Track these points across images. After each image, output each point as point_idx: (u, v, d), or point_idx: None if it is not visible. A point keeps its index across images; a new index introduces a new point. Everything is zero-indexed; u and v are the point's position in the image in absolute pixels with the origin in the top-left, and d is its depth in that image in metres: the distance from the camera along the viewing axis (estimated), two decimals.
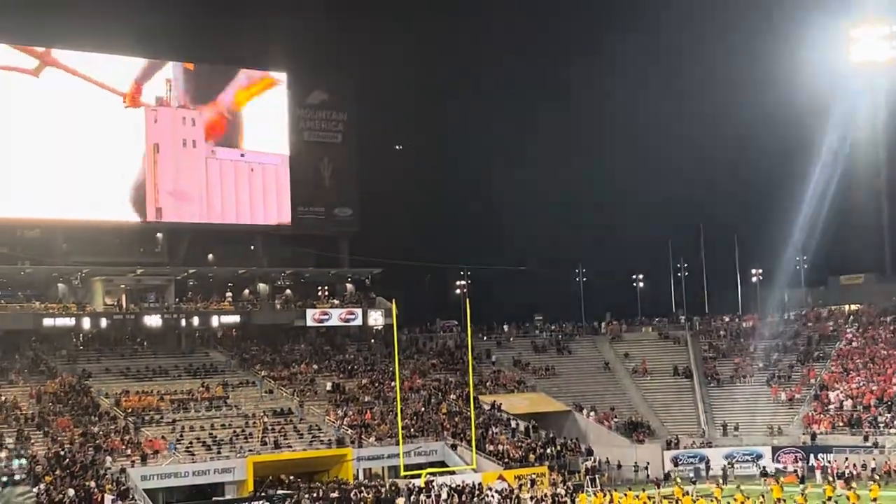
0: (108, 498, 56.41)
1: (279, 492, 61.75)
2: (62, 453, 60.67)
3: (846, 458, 68.92)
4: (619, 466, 73.51)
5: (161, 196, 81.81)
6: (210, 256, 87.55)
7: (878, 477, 63.18)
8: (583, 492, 63.16)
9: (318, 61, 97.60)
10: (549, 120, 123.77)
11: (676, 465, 74.26)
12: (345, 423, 71.78)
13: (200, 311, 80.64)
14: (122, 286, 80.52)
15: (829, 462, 69.55)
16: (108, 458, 61.26)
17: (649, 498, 56.63)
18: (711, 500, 55.06)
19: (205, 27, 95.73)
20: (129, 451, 62.88)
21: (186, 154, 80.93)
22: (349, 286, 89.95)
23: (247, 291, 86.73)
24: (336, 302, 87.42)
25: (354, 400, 76.38)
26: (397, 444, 65.88)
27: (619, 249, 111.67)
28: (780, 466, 72.13)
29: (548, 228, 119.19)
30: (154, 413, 68.73)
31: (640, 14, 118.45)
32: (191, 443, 65.86)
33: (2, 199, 76.67)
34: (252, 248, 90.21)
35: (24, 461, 58.49)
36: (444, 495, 60.53)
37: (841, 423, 75.54)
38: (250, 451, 65.77)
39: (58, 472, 58.43)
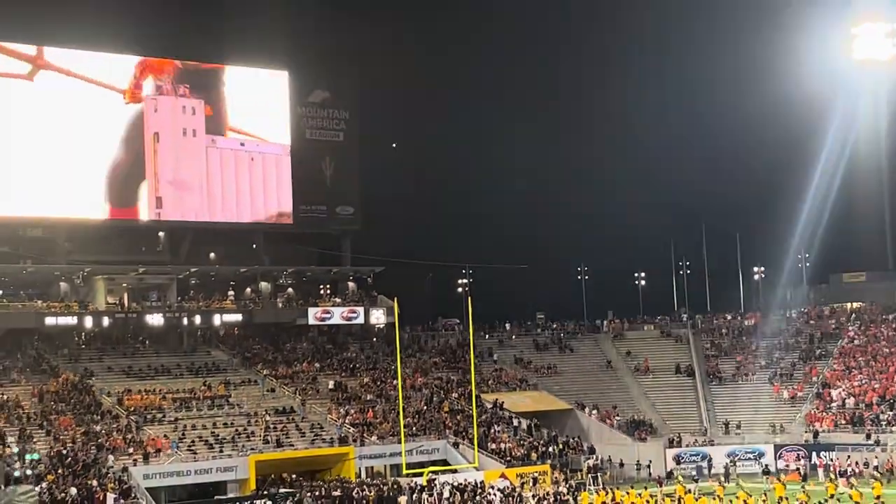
0: (111, 497, 56.44)
1: (281, 490, 61.73)
2: (64, 452, 60.70)
3: (848, 456, 68.91)
4: (622, 465, 73.56)
5: (161, 185, 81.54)
6: (212, 255, 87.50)
7: (879, 475, 63.16)
8: (585, 490, 63.17)
9: (320, 60, 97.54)
10: (550, 118, 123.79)
11: (678, 463, 74.25)
12: (347, 421, 71.80)
13: (202, 310, 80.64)
14: (124, 285, 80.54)
15: (832, 460, 69.54)
16: (111, 457, 61.31)
17: (651, 496, 56.61)
18: (714, 499, 55.00)
19: (205, 26, 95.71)
20: (131, 450, 62.93)
21: (186, 143, 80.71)
22: (351, 284, 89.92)
23: (249, 290, 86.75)
24: (338, 300, 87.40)
25: (356, 398, 76.40)
26: (399, 442, 65.91)
27: (621, 247, 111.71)
28: (783, 464, 72.18)
29: (550, 226, 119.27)
30: (156, 412, 68.76)
31: (642, 12, 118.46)
32: (193, 441, 65.89)
33: (3, 198, 76.67)
34: (254, 246, 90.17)
35: (36, 455, 58.76)
36: (446, 494, 60.52)
37: (843, 421, 75.50)
38: (252, 449, 65.80)
39: (60, 470, 58.48)
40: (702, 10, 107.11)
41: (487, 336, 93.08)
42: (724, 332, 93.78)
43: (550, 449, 72.55)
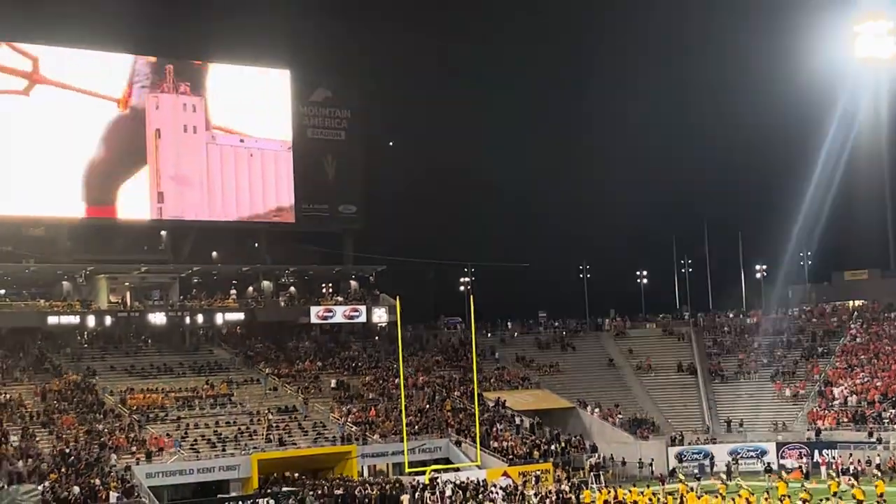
0: (114, 495, 56.52)
1: (284, 489, 61.80)
2: (67, 451, 60.75)
3: (850, 454, 68.90)
4: (624, 463, 73.58)
5: (163, 181, 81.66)
6: (214, 254, 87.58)
7: (880, 472, 63.16)
8: (587, 488, 63.12)
9: (322, 58, 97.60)
10: (552, 116, 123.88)
11: (681, 461, 74.28)
12: (349, 420, 71.85)
13: (205, 309, 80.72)
14: (127, 284, 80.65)
15: (834, 458, 69.55)
16: (113, 456, 61.38)
17: (654, 494, 56.56)
18: (716, 497, 54.98)
19: (206, 25, 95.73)
20: (133, 449, 63.00)
21: (187, 139, 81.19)
22: (353, 283, 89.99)
23: (251, 289, 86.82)
24: (340, 299, 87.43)
25: (359, 397, 76.46)
26: (402, 441, 65.96)
27: (623, 245, 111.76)
28: (785, 462, 72.19)
29: (551, 225, 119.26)
30: (159, 411, 68.83)
31: (643, 10, 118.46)
32: (196, 440, 65.95)
33: (5, 198, 76.76)
34: (256, 245, 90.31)
35: None
36: (448, 492, 60.52)
37: (845, 419, 75.55)
38: (255, 448, 65.87)
39: (63, 469, 58.49)
40: (704, 8, 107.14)
41: (489, 334, 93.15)
42: (726, 330, 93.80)
43: (552, 447, 72.60)
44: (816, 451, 71.73)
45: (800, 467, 69.88)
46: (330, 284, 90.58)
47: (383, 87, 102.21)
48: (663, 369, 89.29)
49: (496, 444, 71.27)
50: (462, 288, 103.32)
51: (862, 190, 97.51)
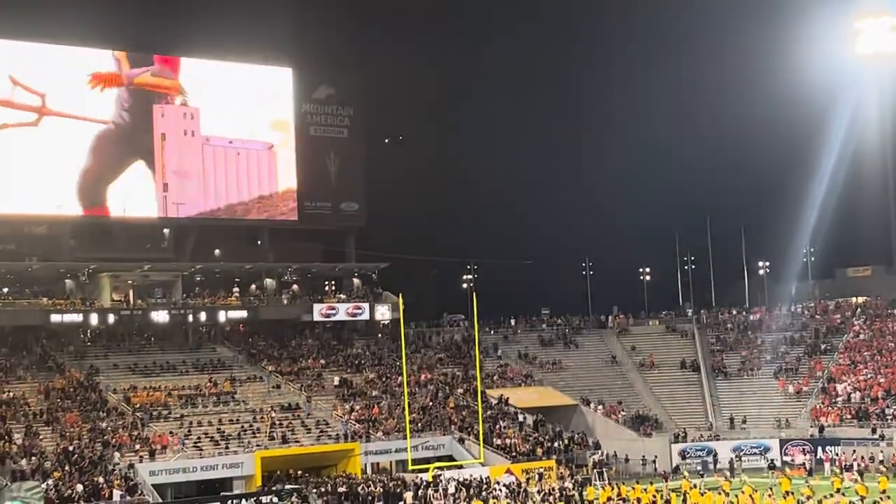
0: (117, 493, 56.58)
1: (287, 487, 61.84)
2: (70, 449, 60.81)
3: (854, 451, 68.84)
4: (627, 460, 73.53)
5: (167, 174, 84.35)
6: (217, 252, 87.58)
7: (885, 469, 63.13)
8: (590, 485, 63.11)
9: (325, 56, 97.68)
10: (555, 113, 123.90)
11: (684, 458, 74.27)
12: (352, 417, 71.88)
13: (207, 307, 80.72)
14: (130, 282, 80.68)
15: (837, 455, 69.51)
16: (117, 454, 61.41)
17: (657, 491, 56.58)
18: (719, 494, 55.00)
19: (207, 23, 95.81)
20: (137, 447, 63.05)
21: (187, 141, 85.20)
22: (356, 281, 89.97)
23: (254, 286, 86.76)
24: (343, 297, 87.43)
25: (362, 394, 76.46)
26: (405, 438, 65.98)
27: (626, 242, 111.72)
28: (788, 459, 72.18)
29: (554, 222, 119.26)
30: (162, 408, 68.89)
31: (647, 8, 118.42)
32: (199, 438, 66.01)
33: (8, 196, 76.91)
34: (259, 243, 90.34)
35: None
36: (451, 489, 60.55)
37: (849, 416, 75.51)
38: (258, 445, 65.92)
39: (66, 467, 58.58)
40: (706, 5, 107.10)
41: (492, 332, 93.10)
42: (730, 327, 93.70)
43: (556, 444, 72.55)
44: (820, 448, 71.67)
45: (803, 464, 69.85)
46: (333, 282, 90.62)
47: (386, 84, 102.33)
48: (666, 366, 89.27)
49: (499, 442, 71.25)
50: (465, 285, 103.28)
51: (865, 186, 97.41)
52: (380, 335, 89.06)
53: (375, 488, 60.93)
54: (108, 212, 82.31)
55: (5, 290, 78.17)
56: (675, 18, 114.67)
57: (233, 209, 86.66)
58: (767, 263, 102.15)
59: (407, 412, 67.14)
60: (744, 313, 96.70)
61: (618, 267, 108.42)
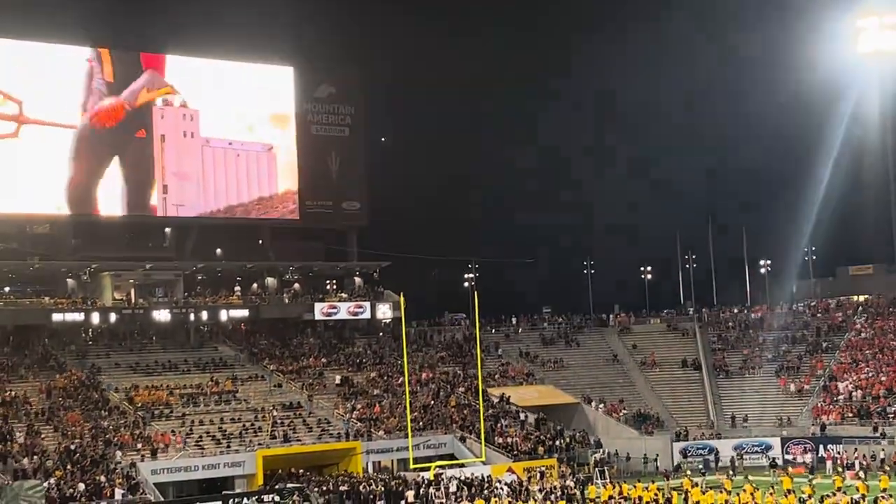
0: (119, 492, 56.60)
1: (289, 485, 61.86)
2: (72, 448, 60.84)
3: (855, 449, 68.84)
4: (629, 458, 73.52)
5: (167, 175, 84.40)
6: (218, 251, 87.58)
7: (888, 468, 63.12)
8: (592, 484, 63.13)
9: (326, 55, 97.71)
10: (556, 112, 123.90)
11: (685, 456, 74.30)
12: (354, 416, 71.90)
13: (209, 306, 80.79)
14: (131, 281, 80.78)
15: (839, 453, 69.51)
16: (118, 453, 61.43)
17: (658, 490, 56.59)
18: (721, 492, 55.03)
19: (207, 21, 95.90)
20: (139, 446, 63.07)
21: (186, 143, 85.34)
22: (357, 280, 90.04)
23: (255, 285, 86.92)
24: (344, 295, 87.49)
25: (363, 393, 76.48)
26: (406, 437, 66.01)
27: (628, 241, 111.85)
28: (790, 458, 72.19)
29: (556, 221, 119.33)
30: (163, 407, 68.91)
31: (648, 6, 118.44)
32: (200, 437, 66.03)
33: (10, 195, 76.99)
34: (260, 242, 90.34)
35: None
36: (453, 488, 60.53)
37: (850, 414, 75.49)
38: (260, 444, 65.95)
39: (68, 466, 58.61)
40: (708, 4, 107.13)
41: (494, 330, 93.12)
42: (731, 326, 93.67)
43: (557, 443, 72.55)
44: (821, 447, 71.68)
45: (804, 462, 69.84)
46: (334, 281, 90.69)
47: (388, 83, 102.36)
48: (668, 365, 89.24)
49: (501, 440, 71.27)
50: (466, 284, 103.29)
51: (867, 184, 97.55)
52: (381, 334, 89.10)
53: (377, 487, 60.94)
54: (98, 212, 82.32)
55: (7, 289, 78.32)
56: (676, 17, 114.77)
57: (232, 210, 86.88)
58: (769, 262, 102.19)
59: (408, 411, 67.16)
60: (745, 312, 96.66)
61: (619, 265, 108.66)
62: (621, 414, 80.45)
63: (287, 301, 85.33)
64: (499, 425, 73.68)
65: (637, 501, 54.05)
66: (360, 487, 60.92)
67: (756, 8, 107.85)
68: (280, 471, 64.93)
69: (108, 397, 69.14)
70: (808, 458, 71.09)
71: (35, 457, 59.14)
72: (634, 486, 57.27)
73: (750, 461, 72.23)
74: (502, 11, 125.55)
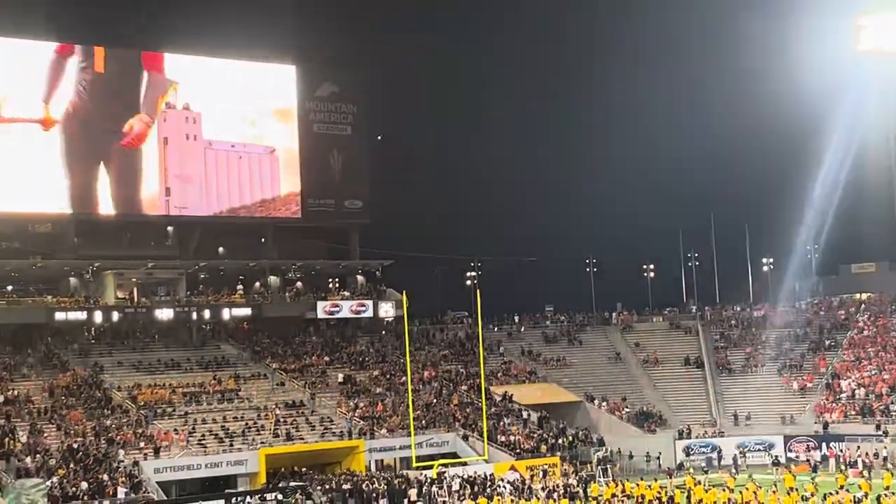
0: (121, 491, 56.61)
1: (291, 484, 61.89)
2: (75, 447, 60.86)
3: (858, 447, 68.83)
4: (631, 456, 73.55)
5: (169, 178, 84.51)
6: (220, 249, 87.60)
7: (891, 466, 63.08)
8: (595, 482, 63.18)
9: (328, 54, 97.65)
10: (558, 110, 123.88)
11: (688, 454, 74.31)
12: (356, 414, 71.90)
13: (212, 304, 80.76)
14: (134, 280, 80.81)
15: (842, 451, 69.49)
16: (121, 452, 61.46)
17: (661, 488, 56.60)
18: (723, 490, 55.02)
19: (208, 20, 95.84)
20: (141, 444, 63.08)
21: (188, 145, 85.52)
22: (360, 278, 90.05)
23: (258, 284, 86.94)
24: (347, 294, 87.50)
25: (366, 392, 76.51)
26: (409, 435, 65.99)
27: (630, 239, 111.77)
28: (793, 456, 72.16)
29: (558, 219, 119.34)
30: (166, 406, 68.92)
31: (649, 4, 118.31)
32: (203, 435, 66.05)
33: (12, 194, 77.03)
34: (262, 240, 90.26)
35: None
36: (456, 486, 60.55)
37: (853, 412, 75.49)
38: (262, 443, 65.95)
39: (71, 465, 58.63)
40: (708, 2, 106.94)
41: (496, 329, 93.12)
42: (734, 324, 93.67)
43: (560, 441, 72.55)
44: (824, 445, 71.66)
45: (807, 460, 69.82)
46: (336, 279, 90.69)
47: (390, 82, 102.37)
48: (670, 363, 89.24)
49: (503, 439, 71.26)
50: (469, 282, 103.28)
51: (869, 182, 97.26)
52: (383, 332, 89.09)
53: (379, 485, 60.97)
54: (99, 212, 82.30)
55: (10, 288, 78.32)
56: (677, 16, 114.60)
57: (235, 213, 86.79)
58: (771, 260, 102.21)
59: (411, 409, 67.14)
60: (748, 310, 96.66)
61: (622, 264, 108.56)
62: (624, 412, 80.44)
63: (289, 300, 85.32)
64: (501, 423, 73.69)
65: (640, 500, 54.12)
66: (363, 486, 60.96)
67: (757, 6, 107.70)
68: (282, 469, 64.94)
69: (110, 396, 69.18)
70: (811, 456, 71.02)
71: (38, 455, 59.13)
72: (637, 485, 57.31)
73: (752, 459, 72.29)
74: (503, 11, 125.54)
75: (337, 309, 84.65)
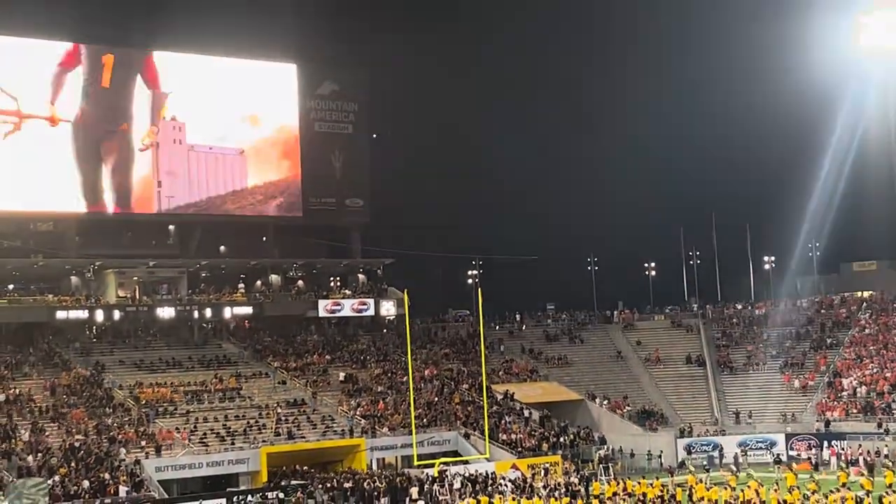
0: (123, 489, 56.69)
1: (293, 482, 61.88)
2: (76, 445, 60.92)
3: (860, 445, 68.79)
4: (633, 455, 73.56)
5: (161, 174, 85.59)
6: (222, 248, 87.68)
7: (892, 463, 62.99)
8: (596, 480, 63.18)
9: (329, 52, 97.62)
10: (559, 110, 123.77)
11: (690, 453, 74.25)
12: (358, 413, 71.91)
13: (213, 303, 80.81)
14: (135, 278, 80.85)
15: (843, 449, 69.47)
16: (123, 450, 61.52)
17: (663, 486, 56.57)
18: (725, 488, 54.97)
19: (209, 19, 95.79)
20: (143, 443, 63.11)
21: (175, 149, 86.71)
22: (361, 277, 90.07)
23: (259, 283, 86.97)
24: (348, 292, 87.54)
25: (367, 390, 76.52)
26: (410, 433, 66.00)
27: (631, 237, 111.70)
28: (794, 454, 72.15)
29: (559, 217, 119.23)
30: (168, 405, 68.96)
31: (649, 3, 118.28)
32: (204, 434, 66.08)
33: (14, 194, 77.07)
34: (264, 239, 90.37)
35: None
36: (457, 485, 60.56)
37: (854, 410, 75.42)
38: (264, 441, 65.98)
39: (72, 464, 58.65)
40: (709, 2, 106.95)
41: (498, 327, 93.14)
42: (735, 322, 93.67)
43: (561, 440, 72.59)
44: (825, 443, 71.64)
45: (809, 458, 69.81)
46: (338, 278, 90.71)
47: (391, 80, 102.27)
48: (672, 361, 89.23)
49: (505, 437, 71.30)
50: (470, 281, 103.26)
51: (870, 180, 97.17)
52: (385, 331, 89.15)
53: (381, 484, 60.98)
54: (105, 208, 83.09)
55: (11, 286, 78.28)
56: (678, 15, 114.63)
57: (212, 201, 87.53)
58: (773, 258, 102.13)
59: (412, 408, 67.17)
60: (749, 308, 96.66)
61: (623, 262, 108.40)
62: (625, 410, 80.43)
63: (291, 298, 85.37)
64: (503, 422, 73.71)
65: (641, 498, 54.06)
66: (364, 484, 60.97)
67: (758, 5, 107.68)
68: (284, 468, 64.94)
69: (112, 395, 69.20)
70: (813, 454, 71.01)
71: (39, 454, 59.21)
72: (639, 483, 57.28)
73: (754, 457, 72.31)
74: (505, 10, 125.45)
75: (338, 307, 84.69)
